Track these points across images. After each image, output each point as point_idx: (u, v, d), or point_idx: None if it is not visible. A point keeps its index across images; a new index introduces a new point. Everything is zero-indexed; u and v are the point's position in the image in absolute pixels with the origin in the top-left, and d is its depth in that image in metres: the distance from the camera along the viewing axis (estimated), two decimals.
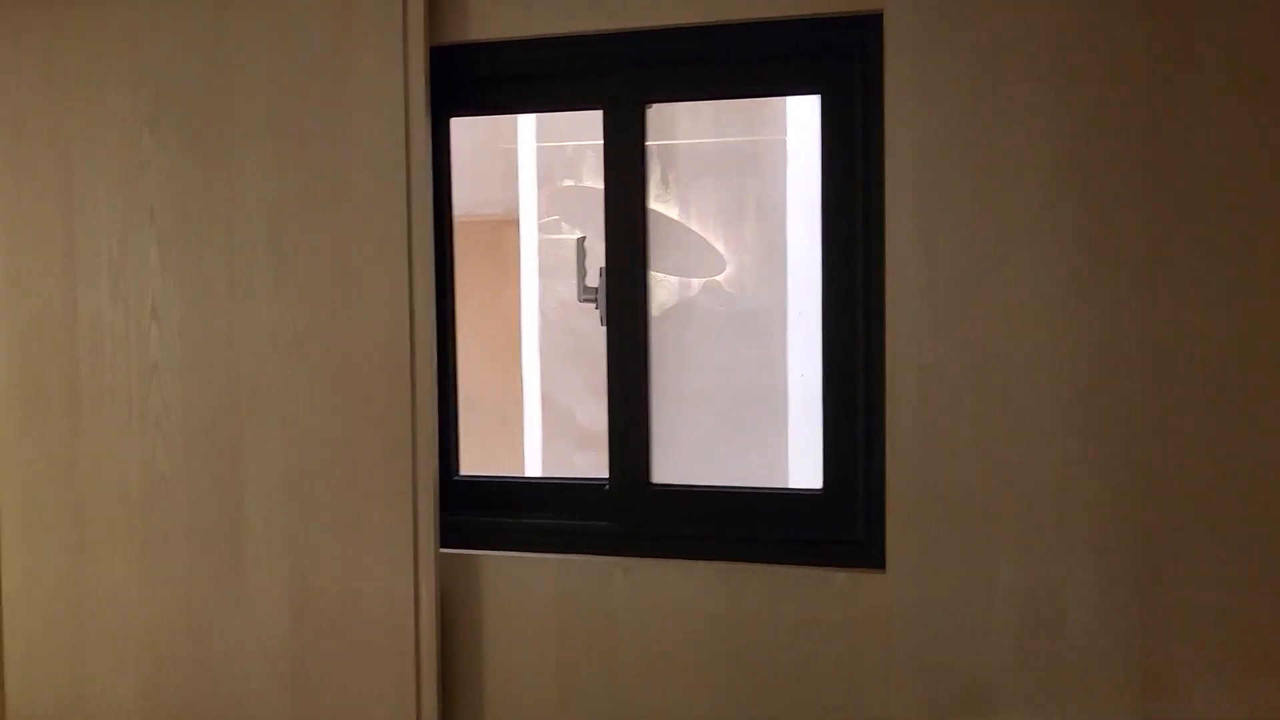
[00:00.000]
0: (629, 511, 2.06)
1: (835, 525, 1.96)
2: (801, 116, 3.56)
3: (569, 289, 3.96)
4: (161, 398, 2.16)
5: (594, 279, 2.08)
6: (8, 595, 2.29)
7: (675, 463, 2.11)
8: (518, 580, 2.06)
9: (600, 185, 2.01)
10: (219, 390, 2.13)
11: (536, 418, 3.82)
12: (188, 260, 2.13)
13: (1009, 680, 1.84)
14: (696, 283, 3.73)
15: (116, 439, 2.20)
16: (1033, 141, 1.78)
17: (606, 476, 2.08)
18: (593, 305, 2.09)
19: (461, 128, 2.18)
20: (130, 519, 2.20)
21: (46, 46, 2.19)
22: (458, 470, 2.20)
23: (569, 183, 4.41)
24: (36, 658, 2.28)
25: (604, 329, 2.03)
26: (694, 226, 3.82)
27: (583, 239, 2.08)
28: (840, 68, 1.91)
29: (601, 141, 2.03)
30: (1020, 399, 1.81)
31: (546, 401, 3.78)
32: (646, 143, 2.03)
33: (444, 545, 2.09)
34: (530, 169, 4.10)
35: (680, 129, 3.74)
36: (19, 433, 2.26)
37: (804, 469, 3.01)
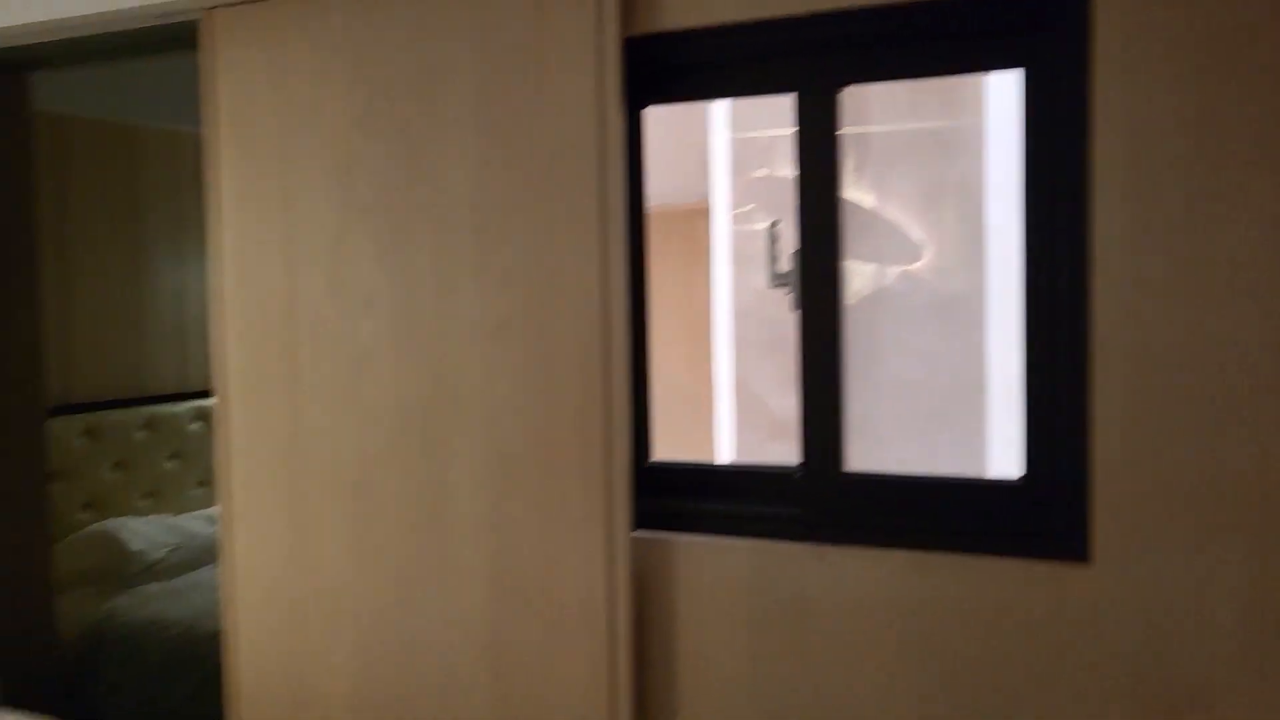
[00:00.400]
0: (821, 498, 2.04)
1: (1036, 516, 1.88)
2: (1001, 97, 3.44)
3: (762, 279, 3.95)
4: (373, 384, 2.28)
5: (786, 264, 2.07)
6: (238, 563, 2.47)
7: (868, 451, 2.08)
8: (709, 563, 2.07)
9: (793, 175, 1.99)
10: (426, 377, 2.23)
11: (729, 407, 3.83)
12: (397, 254, 2.24)
13: (1231, 680, 1.73)
14: (892, 270, 3.66)
15: (332, 423, 2.33)
16: (1263, 116, 1.66)
17: (797, 464, 2.07)
18: (784, 291, 2.08)
19: (655, 118, 2.21)
20: (344, 498, 2.33)
21: (272, 50, 2.34)
22: (650, 457, 2.24)
23: (762, 172, 4.40)
24: (261, 624, 2.45)
25: (796, 315, 2.02)
26: (888, 214, 3.75)
27: (775, 223, 2.07)
28: (1044, 41, 1.84)
29: (793, 130, 2.02)
30: (1240, 385, 1.70)
31: (739, 391, 3.79)
32: (839, 129, 2.00)
33: (637, 529, 2.13)
34: (723, 159, 4.11)
35: (874, 115, 3.67)
36: (246, 416, 2.42)
37: (1004, 459, 2.91)
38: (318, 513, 2.36)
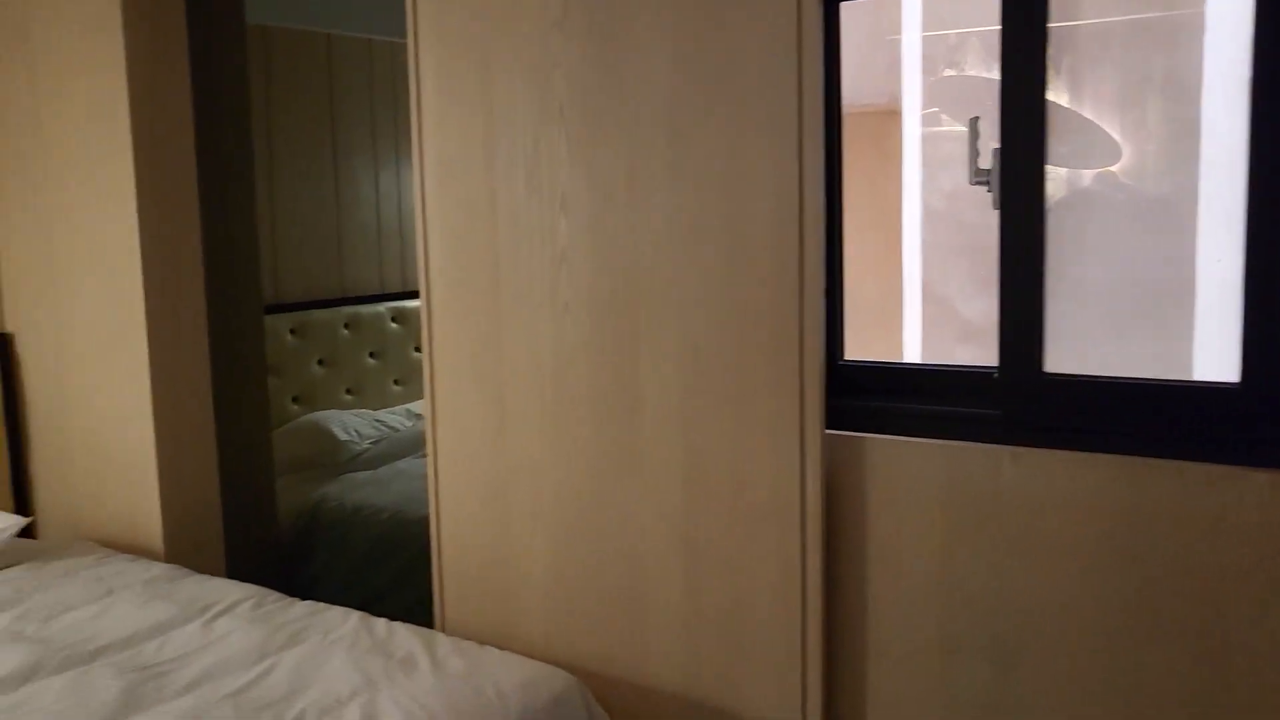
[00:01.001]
0: (1019, 400, 2.01)
1: (1254, 421, 1.81)
2: None
3: (951, 181, 3.85)
4: (569, 282, 2.35)
5: (986, 161, 2.02)
6: (442, 454, 2.61)
7: (1068, 353, 2.03)
8: (902, 463, 2.08)
9: (984, 74, 1.93)
10: (619, 275, 2.28)
11: (916, 311, 3.77)
12: (593, 155, 2.29)
13: None
14: (1088, 172, 3.50)
15: (531, 319, 2.42)
16: None
17: (994, 365, 2.04)
18: (984, 188, 2.03)
19: (849, 16, 2.17)
20: (543, 391, 2.42)
21: None
22: (842, 355, 2.24)
23: (950, 72, 4.25)
24: (464, 511, 2.59)
25: (994, 215, 1.98)
26: (1086, 113, 3.58)
27: (976, 119, 2.01)
28: None
29: (988, 28, 1.95)
30: None
31: (927, 294, 3.73)
32: (1049, 20, 1.92)
33: (829, 427, 2.15)
34: (915, 58, 3.99)
35: (1084, 6, 3.48)
36: (450, 309, 2.54)
37: (1211, 364, 2.79)
38: (517, 408, 2.47)
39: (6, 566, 2.82)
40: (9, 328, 3.32)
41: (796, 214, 2.05)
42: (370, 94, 4.72)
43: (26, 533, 3.07)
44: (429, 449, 2.62)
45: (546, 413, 2.42)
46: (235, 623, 2.38)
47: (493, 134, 2.42)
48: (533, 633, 2.49)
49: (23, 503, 3.33)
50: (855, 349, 2.29)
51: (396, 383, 4.81)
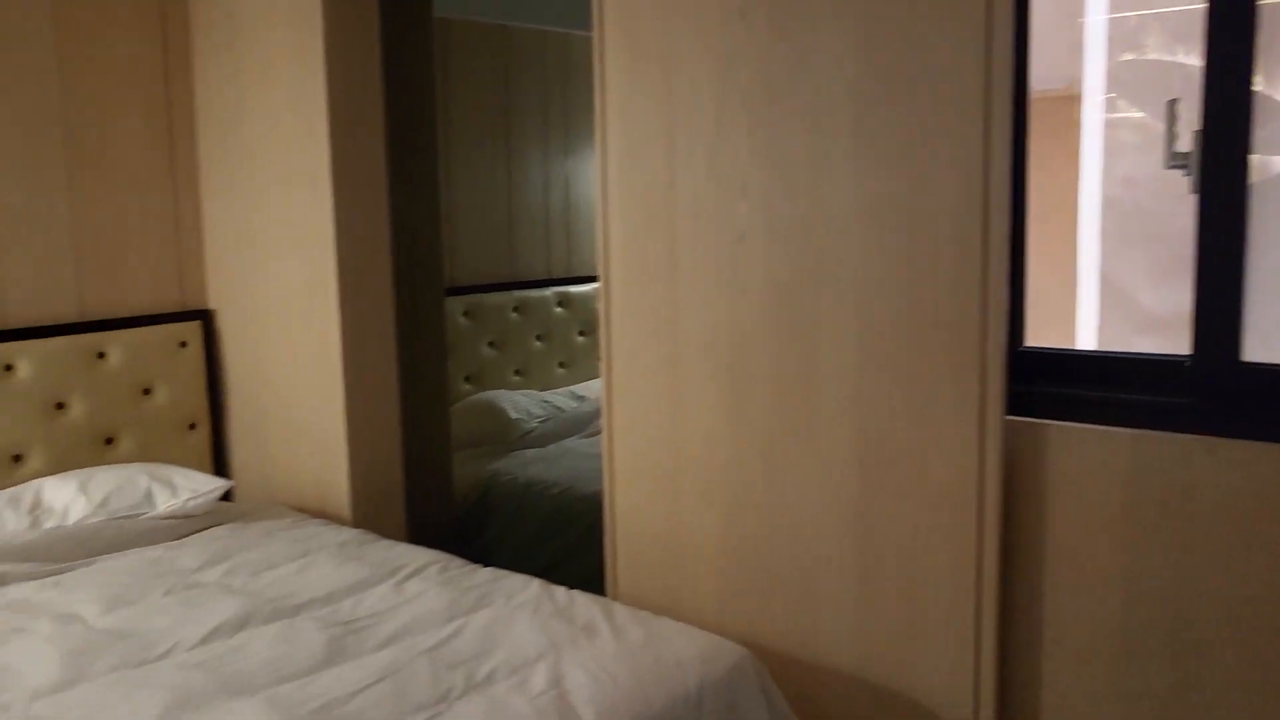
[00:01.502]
0: (1214, 389, 1.97)
1: None
2: None
3: (1131, 168, 3.74)
4: (748, 264, 2.40)
5: (1185, 145, 1.98)
6: (617, 431, 2.69)
7: (1265, 342, 1.97)
8: (1086, 452, 2.06)
9: (1165, 57, 1.89)
10: (798, 258, 2.32)
11: (1092, 299, 3.68)
12: (774, 139, 2.32)
13: None
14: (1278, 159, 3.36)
15: (707, 300, 2.47)
16: None
17: (1185, 353, 2.00)
18: (1180, 173, 1.99)
19: None
20: (718, 371, 2.48)
21: None
22: (1023, 341, 2.23)
23: (1130, 56, 4.12)
24: (636, 488, 2.67)
25: (1177, 203, 1.93)
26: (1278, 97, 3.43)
27: (1174, 101, 1.97)
28: None
29: (1172, 9, 1.90)
30: None
31: (1105, 283, 3.63)
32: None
33: (1009, 413, 2.14)
34: (1099, 41, 3.88)
35: None
36: (628, 291, 2.62)
37: None
38: (692, 387, 2.53)
39: (211, 526, 3.04)
40: (211, 304, 3.56)
41: (981, 199, 2.05)
42: (543, 85, 4.85)
43: (225, 497, 3.29)
44: (604, 425, 2.71)
45: (721, 392, 2.47)
46: (424, 585, 2.52)
47: (674, 121, 2.48)
48: (703, 607, 2.55)
49: (221, 469, 3.57)
50: (1029, 337, 2.27)
51: (561, 365, 4.94)
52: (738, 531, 2.49)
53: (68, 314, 3.25)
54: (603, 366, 2.70)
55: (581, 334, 5.01)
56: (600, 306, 2.68)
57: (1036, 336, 2.23)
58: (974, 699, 2.17)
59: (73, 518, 2.90)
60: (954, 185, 2.08)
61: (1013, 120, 2.08)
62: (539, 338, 4.84)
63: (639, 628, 2.24)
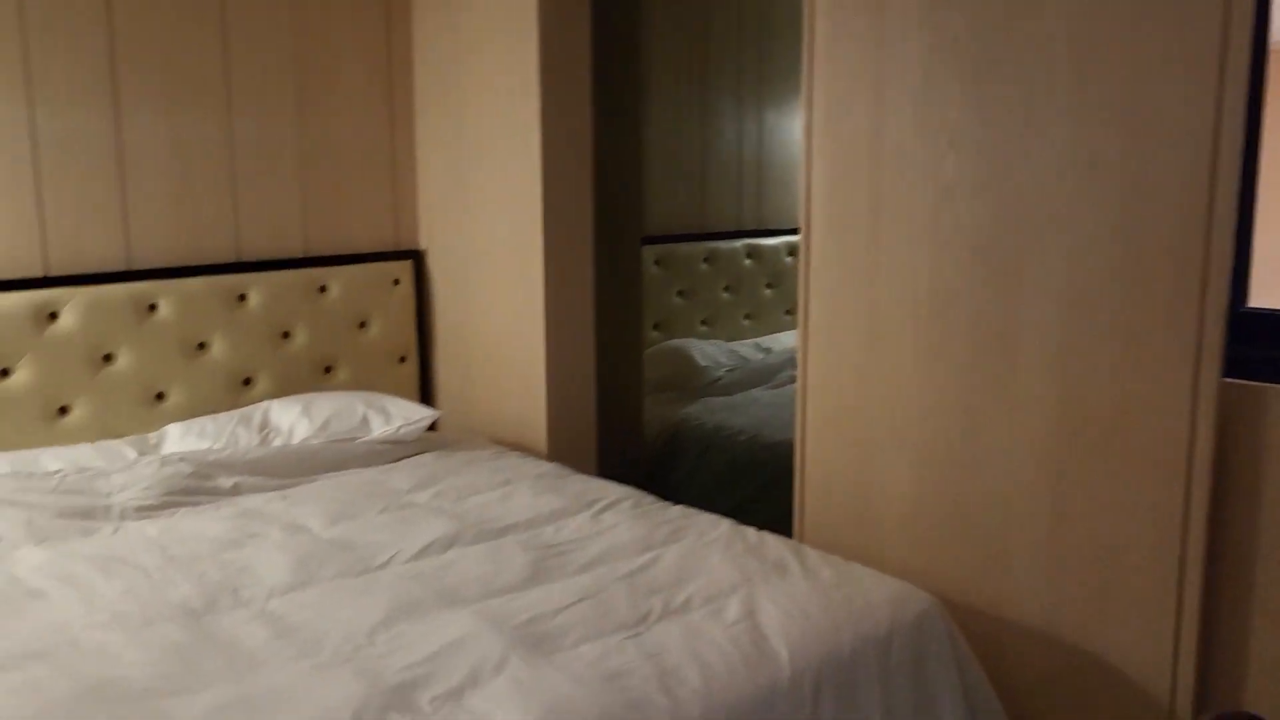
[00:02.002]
0: None
1: None
2: None
3: None
4: (953, 217, 2.38)
5: None
6: (811, 379, 2.73)
7: None
8: None
9: None
10: (1006, 211, 2.29)
11: None
12: (985, 91, 2.29)
13: None
14: None
15: (909, 252, 2.47)
16: None
17: None
18: None
19: None
20: (917, 324, 2.48)
21: None
22: (1246, 302, 2.15)
23: None
24: (828, 439, 2.70)
25: None
26: None
27: None
28: None
29: None
30: None
31: None
32: None
33: (1226, 376, 2.07)
34: None
35: None
36: (828, 241, 2.64)
37: None
38: (890, 340, 2.54)
39: (419, 453, 3.23)
40: (422, 245, 3.75)
41: (1209, 155, 1.98)
42: (739, 35, 4.86)
43: (430, 427, 3.48)
44: (799, 373, 2.75)
45: (920, 345, 2.48)
46: (620, 517, 2.63)
47: (882, 71, 2.47)
48: (890, 557, 2.57)
49: (426, 400, 3.78)
50: (1252, 298, 2.18)
51: (747, 317, 4.98)
52: (930, 484, 2.50)
53: (294, 249, 3.49)
54: (799, 315, 2.73)
55: (769, 286, 5.04)
56: (800, 256, 2.71)
57: (1261, 297, 2.14)
58: (1172, 665, 2.14)
59: (297, 438, 3.14)
60: (1180, 141, 2.01)
61: (1249, 74, 2.00)
62: (727, 289, 4.89)
63: (829, 569, 2.29)
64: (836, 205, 2.61)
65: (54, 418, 3.05)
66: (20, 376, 2.98)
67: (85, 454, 2.93)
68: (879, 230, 2.52)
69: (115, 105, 3.10)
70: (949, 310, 2.41)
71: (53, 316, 3.02)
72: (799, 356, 2.75)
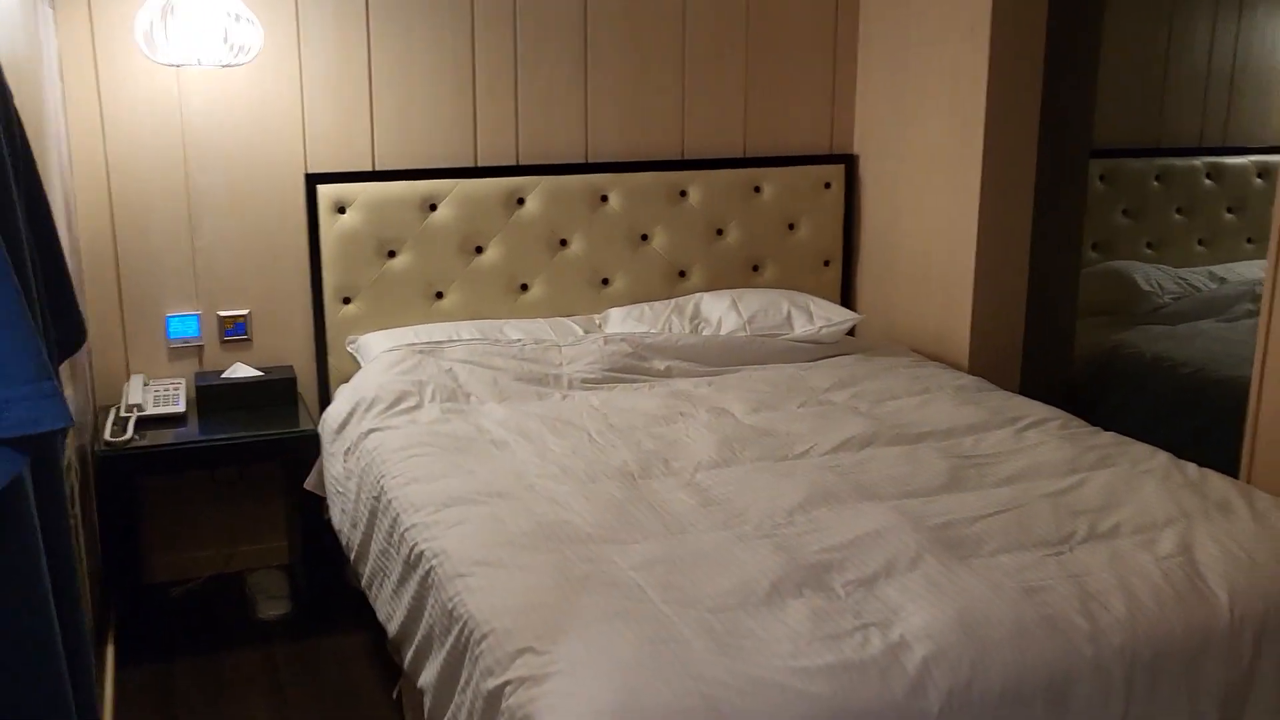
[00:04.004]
0: None
1: None
2: None
3: None
4: None
5: None
6: (1277, 308, 2.46)
7: None
8: None
9: None
10: None
11: None
12: None
13: None
14: None
15: None
16: None
17: None
18: None
19: None
20: None
21: None
22: None
23: None
24: None
25: None
26: None
27: None
28: None
29: None
30: None
31: None
32: None
33: None
34: None
35: None
36: None
37: None
38: None
39: (838, 355, 3.28)
40: (856, 150, 3.75)
41: None
42: None
43: (849, 331, 3.52)
44: (1264, 306, 2.49)
45: None
46: (1044, 436, 2.54)
47: None
48: None
49: (848, 304, 3.80)
50: None
51: (1200, 243, 4.55)
52: None
53: (734, 150, 3.61)
54: (1272, 233, 2.46)
55: (1230, 211, 4.55)
56: None
57: None
58: None
59: (725, 330, 3.29)
60: None
61: None
62: (1179, 210, 4.48)
63: None
64: None
65: (516, 293, 3.39)
66: (490, 254, 3.34)
67: (541, 328, 3.25)
68: None
69: (583, 14, 3.34)
70: None
71: (520, 202, 3.35)
72: (1266, 282, 2.48)
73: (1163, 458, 2.40)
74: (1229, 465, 2.60)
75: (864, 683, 1.58)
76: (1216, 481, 2.26)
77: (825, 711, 1.54)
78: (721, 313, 3.35)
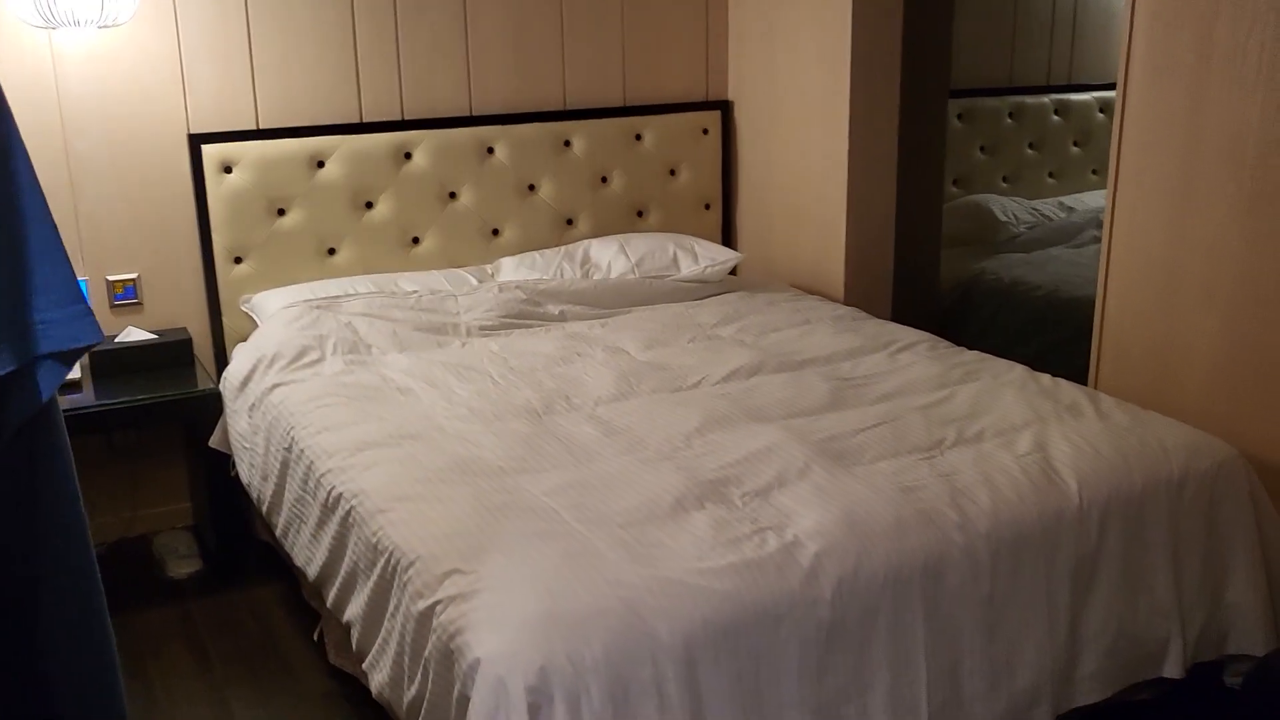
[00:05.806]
0: None
1: None
2: None
3: None
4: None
5: None
6: (1117, 235, 2.71)
7: None
8: None
9: None
10: None
11: None
12: None
13: None
14: None
15: (1240, 99, 2.39)
16: None
17: None
18: None
19: None
20: (1240, 176, 2.41)
21: None
22: None
23: None
24: (1134, 289, 2.69)
25: None
26: None
27: None
28: None
29: None
30: None
31: None
32: None
33: None
34: None
35: None
36: (1148, 88, 2.57)
37: None
38: (1207, 194, 2.48)
39: (723, 293, 3.45)
40: (730, 96, 3.90)
41: None
42: None
43: (732, 270, 3.68)
44: (1105, 223, 2.73)
45: (1241, 198, 2.41)
46: (915, 357, 2.75)
47: None
48: (1189, 409, 2.57)
49: (729, 245, 3.97)
50: None
51: (1051, 175, 4.86)
52: (1239, 338, 2.46)
53: (614, 99, 3.73)
54: (1110, 166, 2.70)
55: (1076, 145, 4.87)
56: (1115, 104, 2.66)
57: None
58: None
59: (615, 273, 3.42)
60: None
61: None
62: (1031, 146, 4.77)
63: (1124, 414, 2.34)
64: (1159, 49, 2.54)
65: (408, 247, 3.46)
66: (381, 209, 3.40)
67: (435, 279, 3.34)
68: (1207, 75, 2.45)
69: None
70: (1276, 158, 2.33)
71: (407, 156, 3.41)
72: (1106, 209, 2.73)
73: (1020, 370, 2.63)
74: (1079, 375, 2.85)
75: (763, 577, 1.76)
76: (1067, 388, 2.50)
77: (731, 604, 1.71)
78: (610, 257, 3.47)
